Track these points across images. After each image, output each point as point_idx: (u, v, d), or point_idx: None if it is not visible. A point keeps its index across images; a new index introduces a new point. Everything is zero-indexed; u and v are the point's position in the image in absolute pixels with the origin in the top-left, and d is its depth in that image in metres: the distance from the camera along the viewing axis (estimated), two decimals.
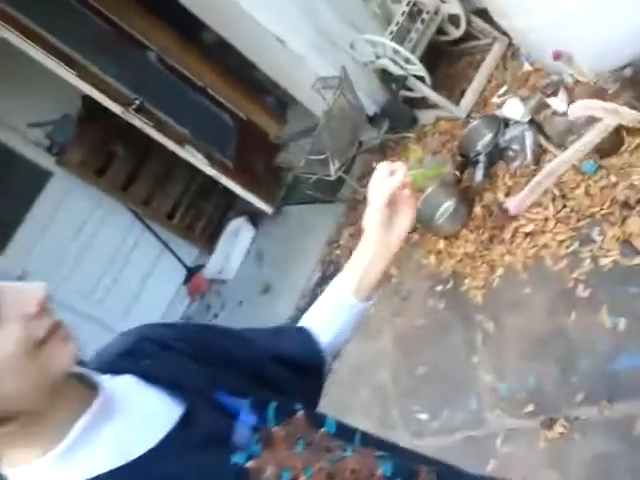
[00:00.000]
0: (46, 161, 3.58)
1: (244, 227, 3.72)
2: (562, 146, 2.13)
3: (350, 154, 3.08)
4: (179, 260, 3.76)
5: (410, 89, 2.97)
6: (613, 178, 1.95)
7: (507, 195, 2.27)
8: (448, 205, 2.43)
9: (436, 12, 2.88)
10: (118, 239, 3.74)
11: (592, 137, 0.75)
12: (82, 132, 3.44)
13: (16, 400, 0.46)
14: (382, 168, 0.76)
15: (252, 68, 3.59)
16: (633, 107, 1.83)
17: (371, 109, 3.23)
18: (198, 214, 3.85)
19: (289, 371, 0.69)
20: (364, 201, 2.95)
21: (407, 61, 2.77)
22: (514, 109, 2.29)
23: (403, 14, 2.87)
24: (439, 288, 2.35)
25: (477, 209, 2.39)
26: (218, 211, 3.92)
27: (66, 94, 3.29)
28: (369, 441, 0.62)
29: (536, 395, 1.74)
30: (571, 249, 1.93)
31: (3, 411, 0.46)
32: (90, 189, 3.61)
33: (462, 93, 2.93)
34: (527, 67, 2.50)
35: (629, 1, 1.89)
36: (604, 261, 1.81)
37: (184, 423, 0.54)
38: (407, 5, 2.87)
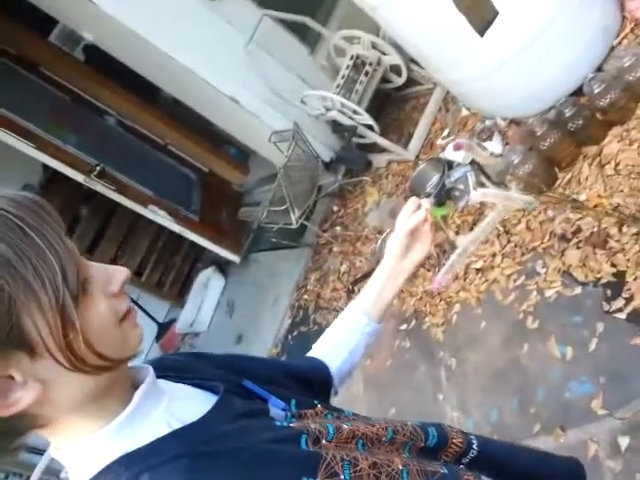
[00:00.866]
0: None
1: (213, 277, 3.77)
2: (502, 184, 2.29)
3: (310, 201, 3.19)
4: (150, 317, 3.77)
5: (362, 136, 3.12)
6: (550, 213, 2.09)
7: (457, 233, 2.39)
8: None
9: (378, 63, 3.06)
10: None
11: (496, 217, 0.86)
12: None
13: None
14: (411, 202, 0.87)
15: (210, 122, 3.71)
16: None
17: (327, 156, 3.36)
18: (166, 269, 3.90)
19: (301, 385, 0.74)
20: (327, 245, 3.06)
21: (355, 112, 2.92)
22: (455, 153, 2.45)
23: (348, 67, 3.05)
24: (403, 327, 2.43)
25: (431, 248, 2.49)
26: (186, 264, 3.97)
27: (26, 164, 3.34)
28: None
29: (499, 428, 1.81)
30: (518, 282, 2.04)
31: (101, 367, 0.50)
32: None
33: (410, 136, 3.10)
34: (465, 112, 2.68)
35: (547, 53, 2.07)
36: (549, 292, 1.93)
37: (223, 401, 0.58)
38: (351, 59, 3.06)
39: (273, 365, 0.78)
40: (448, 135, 2.76)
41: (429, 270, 2.48)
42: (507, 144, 2.29)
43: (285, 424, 0.58)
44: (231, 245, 3.59)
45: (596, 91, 1.98)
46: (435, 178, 2.63)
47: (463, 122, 2.70)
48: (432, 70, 2.40)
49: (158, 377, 0.61)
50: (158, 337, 3.82)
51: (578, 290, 1.84)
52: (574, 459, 0.80)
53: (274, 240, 3.23)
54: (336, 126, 3.09)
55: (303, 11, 3.12)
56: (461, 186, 2.47)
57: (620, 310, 1.67)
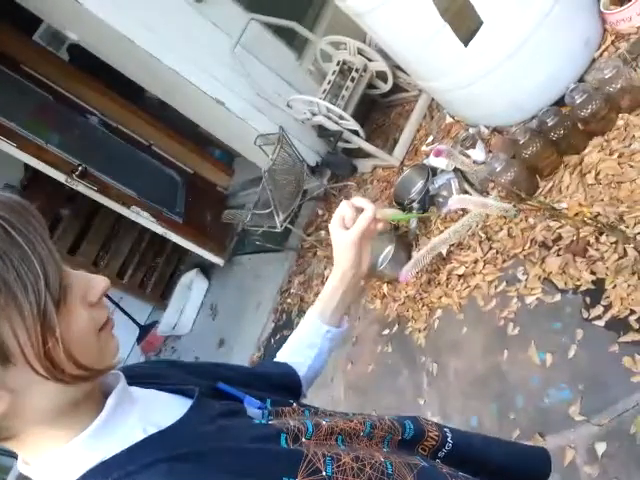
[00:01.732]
0: None
1: (196, 280, 3.74)
2: (484, 191, 2.31)
3: (295, 205, 3.19)
4: (131, 319, 3.72)
5: (347, 141, 3.13)
6: (532, 220, 2.12)
7: None
8: (388, 250, 2.56)
9: (365, 69, 3.08)
10: None
11: (469, 221, 0.87)
12: (26, 200, 3.41)
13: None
14: (345, 205, 0.81)
15: (196, 124, 3.70)
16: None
17: (312, 160, 3.37)
18: (149, 271, 3.86)
19: (272, 388, 0.73)
20: (312, 249, 3.05)
21: (341, 117, 2.93)
22: (439, 160, 2.47)
23: (334, 73, 3.06)
24: (386, 332, 2.44)
25: (415, 253, 2.51)
26: (169, 266, 3.94)
27: (8, 164, 3.28)
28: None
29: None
30: (499, 289, 2.06)
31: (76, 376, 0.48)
32: None
33: (395, 142, 3.12)
34: (449, 119, 2.70)
35: (530, 63, 2.10)
36: (529, 299, 1.95)
37: (199, 403, 0.57)
38: (337, 65, 3.07)
39: (243, 370, 0.78)
40: (432, 142, 2.78)
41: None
42: (490, 152, 2.32)
43: (264, 422, 0.58)
44: (215, 247, 3.57)
45: (578, 101, 2.01)
46: (419, 184, 2.66)
47: (447, 129, 2.73)
48: (417, 77, 2.42)
49: (130, 384, 0.59)
50: (139, 339, 3.78)
51: (558, 297, 1.86)
52: (542, 448, 0.84)
53: (258, 243, 3.22)
54: (322, 131, 3.10)
55: (290, 16, 3.12)
56: (444, 192, 2.50)
57: (599, 317, 1.69)
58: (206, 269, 3.78)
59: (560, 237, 1.95)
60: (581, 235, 1.83)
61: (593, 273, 1.78)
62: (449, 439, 0.69)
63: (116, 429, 0.52)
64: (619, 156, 1.91)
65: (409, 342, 2.28)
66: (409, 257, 2.56)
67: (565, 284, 1.85)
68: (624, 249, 1.71)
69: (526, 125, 2.21)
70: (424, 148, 2.85)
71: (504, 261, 2.11)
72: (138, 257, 3.78)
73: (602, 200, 1.89)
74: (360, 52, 3.04)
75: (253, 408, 0.61)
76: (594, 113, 2.00)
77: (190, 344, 3.53)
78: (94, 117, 3.55)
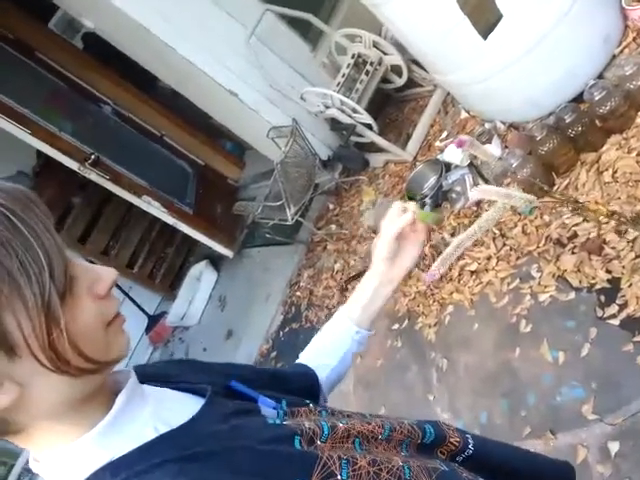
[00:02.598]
0: None
1: (206, 271, 3.74)
2: (499, 187, 2.29)
3: (306, 198, 3.18)
4: (140, 308, 3.74)
5: (360, 135, 3.12)
6: (547, 218, 2.10)
7: (452, 235, 2.40)
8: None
9: (379, 63, 3.06)
10: None
11: (493, 214, 0.85)
12: (38, 187, 3.44)
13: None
14: (396, 206, 0.82)
15: (208, 115, 3.69)
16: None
17: (324, 154, 3.36)
18: (158, 261, 3.87)
19: (289, 390, 0.72)
20: (322, 243, 3.04)
21: (354, 110, 2.92)
22: (454, 155, 2.45)
23: (349, 66, 3.04)
24: (395, 327, 2.43)
25: (426, 249, 2.50)
26: (179, 257, 3.94)
27: (21, 150, 3.30)
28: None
29: (488, 431, 1.81)
30: (512, 286, 2.05)
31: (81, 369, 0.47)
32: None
33: (408, 137, 3.10)
34: (464, 114, 2.68)
35: (549, 58, 2.08)
36: (543, 297, 1.93)
37: (212, 402, 0.56)
38: (352, 58, 3.05)
39: (259, 370, 0.76)
40: (447, 137, 2.76)
41: (423, 270, 2.48)
42: (506, 148, 2.30)
43: (278, 422, 0.56)
44: (225, 239, 3.57)
45: (596, 98, 1.99)
46: (432, 179, 2.64)
47: (462, 125, 2.71)
48: (433, 71, 2.40)
49: (141, 382, 0.58)
50: (148, 329, 3.79)
51: (572, 295, 1.84)
52: (566, 462, 0.80)
53: (268, 236, 3.21)
54: (335, 124, 3.08)
55: (306, 8, 3.10)
56: (458, 188, 2.48)
57: (614, 316, 1.67)
58: (215, 261, 3.78)
59: (575, 235, 1.93)
60: (600, 231, 1.81)
61: (609, 272, 1.76)
62: (470, 446, 0.68)
63: (126, 427, 0.51)
64: (638, 154, 1.89)
65: (419, 337, 2.27)
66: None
67: (580, 282, 1.83)
68: None
69: (543, 122, 2.18)
70: (438, 143, 2.83)
71: (518, 258, 2.09)
72: (148, 247, 3.78)
73: (619, 198, 1.86)
74: (375, 45, 3.02)
75: (267, 408, 0.59)
76: (613, 110, 1.98)
77: (198, 335, 3.53)
78: (107, 106, 3.56)
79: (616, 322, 1.66)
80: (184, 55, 2.87)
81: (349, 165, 3.40)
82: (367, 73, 3.01)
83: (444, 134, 2.82)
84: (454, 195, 2.48)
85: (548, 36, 2.03)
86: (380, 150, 3.16)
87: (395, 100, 3.45)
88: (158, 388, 0.59)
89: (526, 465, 0.75)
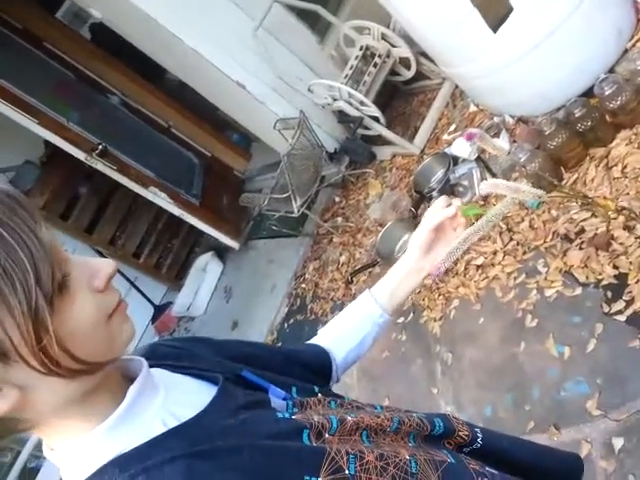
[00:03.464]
0: None
1: (212, 262, 3.75)
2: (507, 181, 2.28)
3: (312, 190, 3.18)
4: (146, 298, 3.76)
5: (367, 127, 3.11)
6: (554, 212, 2.09)
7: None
8: (406, 239, 2.54)
9: (388, 55, 3.04)
10: None
11: (502, 209, 0.85)
12: (45, 177, 3.45)
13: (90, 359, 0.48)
14: (442, 199, 0.83)
15: (215, 107, 3.69)
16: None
17: (331, 146, 3.35)
18: (165, 251, 3.88)
19: (302, 370, 0.72)
20: (328, 235, 3.03)
21: (362, 103, 2.90)
22: (462, 148, 2.44)
23: (357, 58, 3.03)
24: (400, 320, 2.43)
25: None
26: (185, 248, 3.95)
27: (29, 140, 3.31)
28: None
29: (492, 424, 1.82)
30: (519, 280, 2.04)
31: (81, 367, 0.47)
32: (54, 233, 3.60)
33: (416, 130, 3.09)
34: (473, 108, 2.66)
35: (559, 52, 2.06)
36: (549, 292, 1.93)
37: (223, 393, 0.56)
38: (360, 50, 3.03)
39: (273, 350, 0.76)
40: (455, 130, 2.75)
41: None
42: (514, 142, 2.28)
43: (287, 415, 0.56)
44: (231, 231, 3.58)
45: (607, 93, 1.97)
46: (440, 173, 2.63)
47: (470, 118, 2.69)
48: (442, 63, 2.38)
49: (152, 366, 0.58)
50: (154, 319, 3.82)
51: (579, 291, 1.84)
52: (576, 456, 0.80)
53: (274, 228, 3.22)
54: (342, 116, 3.07)
55: None
56: (465, 182, 2.48)
57: (620, 312, 1.67)
58: (221, 252, 3.80)
59: (583, 230, 1.92)
60: (609, 226, 1.80)
61: (616, 267, 1.75)
62: (479, 440, 0.68)
63: (136, 419, 0.51)
64: None
65: (424, 331, 2.28)
66: None
67: (587, 278, 1.83)
68: None
69: (552, 116, 2.17)
70: (446, 137, 2.82)
71: (524, 253, 2.08)
72: (154, 238, 3.79)
73: (628, 194, 1.85)
74: (384, 37, 3.00)
75: (277, 399, 0.60)
76: (623, 105, 1.96)
77: (203, 326, 3.55)
78: (114, 97, 3.56)
79: (622, 318, 1.66)
80: (191, 46, 2.86)
81: (356, 158, 3.39)
82: (375, 65, 3.00)
83: (452, 127, 2.80)
84: (461, 189, 2.47)
85: (559, 30, 2.01)
86: (387, 143, 3.15)
87: (403, 93, 3.44)
88: (169, 373, 0.60)
89: (533, 457, 0.75)
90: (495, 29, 2.02)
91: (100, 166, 3.14)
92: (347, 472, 0.51)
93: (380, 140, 3.19)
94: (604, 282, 1.76)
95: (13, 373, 0.44)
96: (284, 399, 0.60)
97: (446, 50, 2.22)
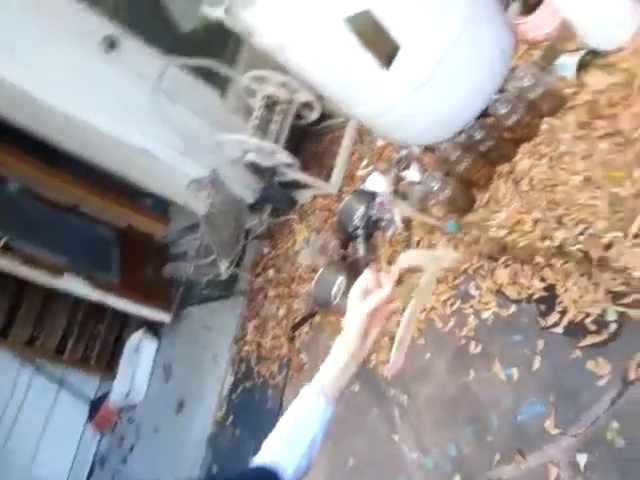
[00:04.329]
0: None
1: (144, 340, 3.51)
2: (424, 210, 2.29)
3: (238, 247, 3.08)
4: (78, 395, 3.43)
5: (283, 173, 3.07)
6: (475, 233, 2.11)
7: (389, 263, 2.36)
8: (340, 281, 2.48)
9: (290, 102, 3.04)
10: (7, 389, 3.34)
11: (428, 283, 0.83)
12: None
13: None
14: (365, 276, 0.81)
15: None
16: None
17: (250, 197, 3.27)
18: (91, 340, 3.58)
19: None
20: (262, 290, 2.89)
21: (273, 152, 2.87)
22: (377, 183, 2.45)
23: (260, 108, 3.01)
24: None
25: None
26: (113, 332, 3.68)
27: None
28: None
29: (459, 463, 1.75)
30: (455, 307, 2.02)
31: None
32: None
33: (331, 169, 3.08)
34: (381, 142, 2.69)
35: (450, 79, 2.11)
36: (485, 314, 1.92)
37: None
38: (262, 100, 3.02)
39: None
40: (367, 165, 2.76)
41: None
42: (425, 171, 2.31)
43: None
44: (159, 304, 3.37)
45: (501, 112, 2.04)
46: (361, 210, 2.61)
47: (379, 152, 2.72)
48: (341, 105, 2.39)
49: None
50: (91, 416, 3.48)
51: (513, 308, 1.84)
52: None
53: (205, 293, 3.07)
54: (255, 167, 3.02)
55: (209, 53, 3.04)
56: (387, 215, 2.47)
57: (556, 324, 1.68)
58: (154, 326, 3.56)
59: (505, 247, 1.94)
60: (528, 240, 1.82)
61: (543, 280, 1.77)
62: None
63: None
64: (549, 160, 1.94)
65: (375, 376, 2.19)
66: None
67: (518, 294, 1.84)
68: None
69: (455, 141, 2.21)
70: (360, 172, 2.83)
71: (455, 278, 2.08)
72: (77, 329, 3.50)
73: (539, 205, 1.90)
74: (284, 85, 3.00)
75: None
76: (518, 121, 2.04)
77: (147, 412, 3.28)
78: (12, 185, 3.31)
79: (560, 330, 1.66)
80: (83, 119, 2.72)
81: (277, 205, 3.33)
82: (280, 113, 2.98)
83: (364, 162, 2.82)
84: (384, 223, 2.46)
85: (445, 59, 2.07)
86: (305, 186, 3.12)
87: (312, 134, 3.45)
88: None
89: None
90: (386, 67, 2.05)
91: (4, 263, 2.87)
92: None
93: (299, 184, 3.16)
94: (535, 296, 1.78)
95: None
96: None
97: (342, 93, 2.23)
